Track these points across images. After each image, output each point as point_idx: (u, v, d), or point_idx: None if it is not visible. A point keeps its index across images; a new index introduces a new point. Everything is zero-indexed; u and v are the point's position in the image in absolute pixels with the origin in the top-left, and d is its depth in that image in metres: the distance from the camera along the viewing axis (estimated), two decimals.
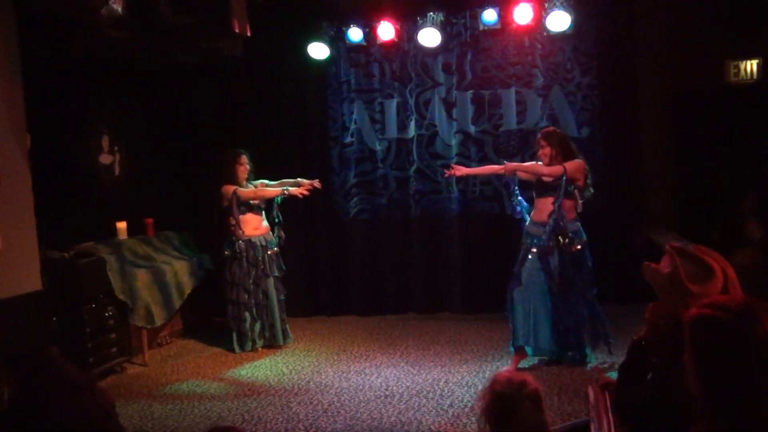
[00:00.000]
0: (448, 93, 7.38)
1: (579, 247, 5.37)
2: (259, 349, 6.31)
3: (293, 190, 6.23)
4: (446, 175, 5.97)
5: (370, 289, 7.58)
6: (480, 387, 4.97)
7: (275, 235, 6.43)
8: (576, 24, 6.88)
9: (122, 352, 5.98)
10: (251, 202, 6.33)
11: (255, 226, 6.35)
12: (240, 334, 6.29)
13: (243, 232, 6.24)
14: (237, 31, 5.26)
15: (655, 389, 2.45)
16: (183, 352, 6.51)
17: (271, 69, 7.57)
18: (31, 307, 4.74)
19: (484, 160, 7.30)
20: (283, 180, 6.48)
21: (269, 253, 6.35)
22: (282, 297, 6.42)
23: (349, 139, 7.60)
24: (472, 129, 7.33)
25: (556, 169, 5.34)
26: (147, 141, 7.28)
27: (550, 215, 5.31)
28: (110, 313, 5.85)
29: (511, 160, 7.23)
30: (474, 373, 5.41)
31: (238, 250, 6.24)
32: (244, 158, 6.37)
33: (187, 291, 6.67)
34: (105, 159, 6.78)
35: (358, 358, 6.00)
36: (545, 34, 7.00)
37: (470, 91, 7.33)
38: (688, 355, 1.92)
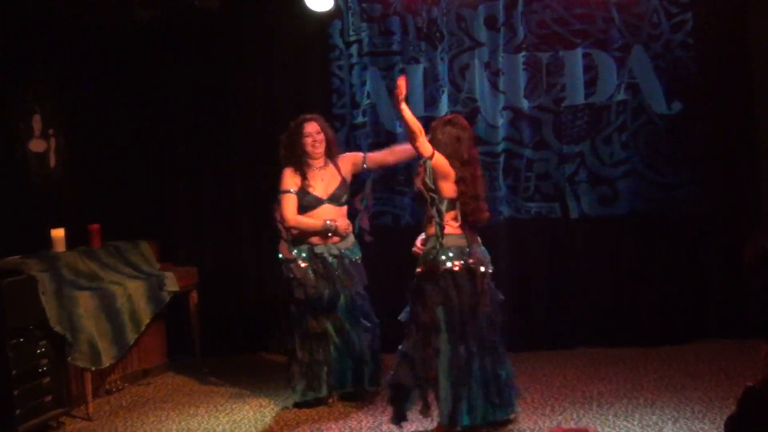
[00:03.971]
0: (492, 56, 7.36)
1: None
2: (333, 399, 6.11)
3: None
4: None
5: (388, 321, 7.48)
6: None
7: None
8: None
9: (59, 402, 5.98)
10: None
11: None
12: (311, 376, 6.02)
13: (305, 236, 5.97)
14: None
15: None
16: (139, 402, 6.51)
17: (256, 26, 7.59)
18: None
19: (541, 147, 7.24)
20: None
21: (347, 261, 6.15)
22: (368, 324, 6.26)
23: (360, 119, 7.62)
24: (525, 104, 7.32)
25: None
26: (92, 123, 7.31)
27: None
28: (43, 350, 5.86)
29: (578, 144, 7.25)
30: (529, 431, 5.35)
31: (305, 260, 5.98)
32: (314, 126, 6.00)
33: (145, 321, 6.69)
34: (36, 146, 6.81)
35: (373, 412, 5.94)
36: None
37: (522, 54, 7.32)
38: None
